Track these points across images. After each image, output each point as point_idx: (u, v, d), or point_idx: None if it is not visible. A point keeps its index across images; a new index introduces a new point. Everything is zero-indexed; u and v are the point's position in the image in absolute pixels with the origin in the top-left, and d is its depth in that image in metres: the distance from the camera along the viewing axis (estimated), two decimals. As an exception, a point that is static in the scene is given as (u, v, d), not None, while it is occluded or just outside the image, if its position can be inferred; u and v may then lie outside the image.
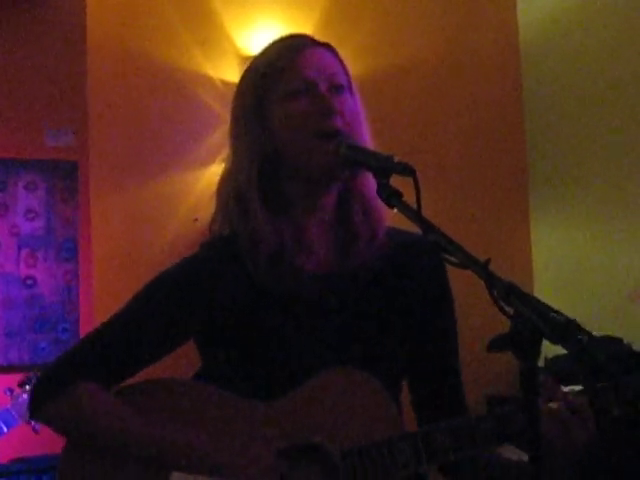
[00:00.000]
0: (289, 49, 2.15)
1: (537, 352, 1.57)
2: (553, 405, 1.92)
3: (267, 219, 2.07)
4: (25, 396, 3.41)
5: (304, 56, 2.12)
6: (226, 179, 2.16)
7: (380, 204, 1.99)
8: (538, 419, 1.60)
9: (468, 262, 1.68)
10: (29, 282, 4.05)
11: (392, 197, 1.85)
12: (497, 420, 1.95)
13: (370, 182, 2.03)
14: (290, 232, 2.09)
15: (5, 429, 3.38)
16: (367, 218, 2.11)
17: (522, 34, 5.14)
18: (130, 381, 2.13)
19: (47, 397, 2.06)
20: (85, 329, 3.89)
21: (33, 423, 3.40)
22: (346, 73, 2.16)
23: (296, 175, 2.09)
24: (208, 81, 4.46)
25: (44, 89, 4.14)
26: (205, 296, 2.10)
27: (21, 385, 3.46)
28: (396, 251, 2.12)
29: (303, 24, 4.48)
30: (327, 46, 2.18)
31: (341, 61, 2.17)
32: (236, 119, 2.19)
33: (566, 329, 1.57)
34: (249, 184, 2.09)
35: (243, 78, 2.21)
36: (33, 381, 3.36)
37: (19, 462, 3.71)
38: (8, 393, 3.42)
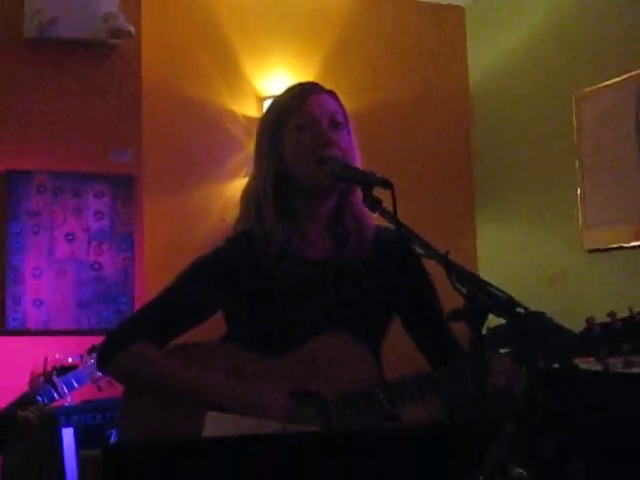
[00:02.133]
0: (301, 92, 2.18)
1: (484, 322, 1.60)
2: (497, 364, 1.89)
3: (278, 222, 2.10)
4: (92, 361, 3.32)
5: (312, 99, 2.15)
6: (248, 190, 2.19)
7: (366, 210, 2.03)
8: (483, 372, 1.63)
9: (432, 253, 1.73)
10: (96, 266, 4.06)
11: (374, 204, 1.89)
12: (453, 373, 1.94)
13: (358, 193, 2.06)
14: (295, 232, 2.12)
15: (76, 385, 3.26)
16: (356, 221, 2.14)
17: (471, 77, 5.12)
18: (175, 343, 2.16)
19: (112, 354, 2.10)
20: (139, 303, 3.91)
21: (99, 383, 3.30)
22: (344, 113, 2.18)
23: (301, 189, 2.12)
24: (233, 115, 4.50)
25: (110, 120, 4.15)
26: (229, 278, 2.13)
27: (89, 352, 3.39)
28: (380, 244, 2.15)
29: (307, 70, 4.51)
30: (330, 92, 2.20)
31: (341, 104, 2.20)
32: (258, 144, 2.21)
33: (507, 305, 1.61)
34: (265, 195, 2.12)
35: (265, 113, 2.25)
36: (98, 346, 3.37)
37: (86, 402, 3.65)
38: (79, 358, 3.32)
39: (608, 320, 1.89)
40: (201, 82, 4.48)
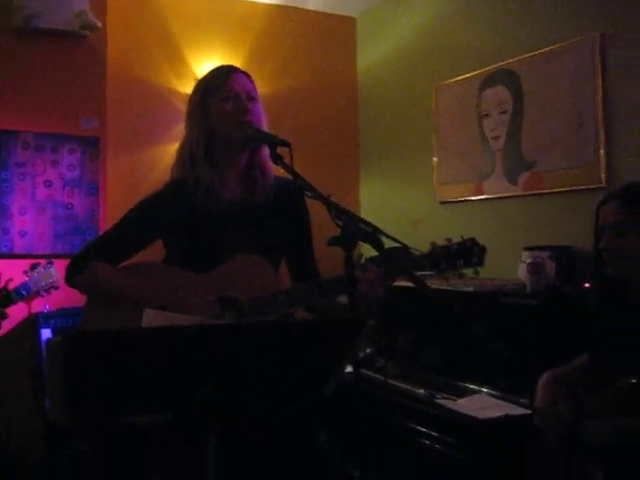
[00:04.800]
0: (225, 72, 2.17)
1: (354, 246, 1.63)
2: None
3: (205, 170, 2.09)
4: (36, 274, 3.43)
5: (234, 77, 2.14)
6: (182, 146, 2.17)
7: (270, 163, 2.04)
8: (354, 282, 1.66)
9: (318, 196, 1.75)
10: (69, 206, 4.00)
11: (277, 159, 1.90)
12: (334, 281, 1.96)
13: (265, 151, 2.06)
14: (218, 178, 2.12)
15: (25, 294, 3.39)
16: (262, 172, 2.14)
17: (359, 70, 5.13)
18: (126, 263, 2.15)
19: (76, 272, 2.08)
20: (102, 235, 3.86)
21: (40, 291, 3.45)
22: (256, 91, 2.17)
23: (223, 145, 2.12)
24: (176, 92, 4.43)
25: (82, 94, 4.08)
26: (166, 214, 2.11)
27: (32, 268, 3.45)
28: (280, 188, 2.16)
29: (234, 60, 4.43)
30: (246, 73, 2.19)
31: (254, 83, 2.19)
32: (190, 110, 2.19)
33: (371, 233, 1.65)
34: (198, 148, 2.10)
35: (195, 87, 2.21)
36: (39, 267, 3.47)
37: (61, 309, 3.69)
38: (25, 272, 3.46)
39: (447, 244, 1.95)
40: (153, 66, 4.42)
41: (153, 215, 2.13)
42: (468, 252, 1.91)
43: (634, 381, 1.87)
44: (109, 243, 2.14)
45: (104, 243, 2.16)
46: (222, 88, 2.10)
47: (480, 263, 1.91)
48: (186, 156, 2.13)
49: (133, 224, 2.14)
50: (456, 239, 1.93)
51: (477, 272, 1.92)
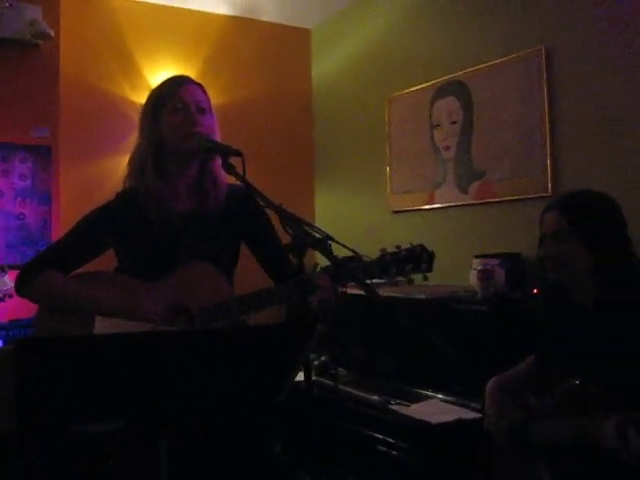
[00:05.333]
0: (176, 82, 2.16)
1: (305, 253, 1.64)
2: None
3: (155, 181, 2.08)
4: None
5: (184, 88, 2.13)
6: (133, 156, 2.16)
7: (222, 173, 2.04)
8: (305, 288, 1.68)
9: (269, 204, 1.77)
10: (21, 216, 3.94)
11: (229, 168, 1.90)
12: (282, 289, 1.96)
13: (217, 161, 2.07)
14: (168, 189, 2.11)
15: None
16: (214, 181, 2.14)
17: (314, 81, 5.16)
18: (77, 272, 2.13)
19: (27, 281, 2.05)
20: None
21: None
22: (208, 101, 2.16)
23: (173, 156, 2.11)
24: (130, 102, 4.40)
25: (34, 103, 4.04)
26: (117, 223, 2.10)
27: None
28: (231, 196, 2.16)
29: (188, 71, 4.42)
30: (198, 84, 2.18)
31: (206, 94, 2.18)
32: (141, 120, 2.17)
33: (321, 240, 1.67)
34: (147, 159, 2.09)
35: (148, 97, 2.19)
36: None
37: (13, 321, 3.62)
38: None
39: (395, 250, 1.97)
40: (106, 76, 4.39)
41: (105, 225, 2.11)
42: (417, 258, 1.94)
43: (578, 382, 1.92)
44: (60, 252, 2.11)
45: (55, 252, 2.13)
46: (172, 99, 2.09)
47: (429, 269, 1.94)
48: (136, 166, 2.11)
49: (85, 233, 2.12)
50: (405, 246, 1.97)
51: (426, 277, 1.95)
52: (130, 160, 2.16)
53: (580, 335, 2.01)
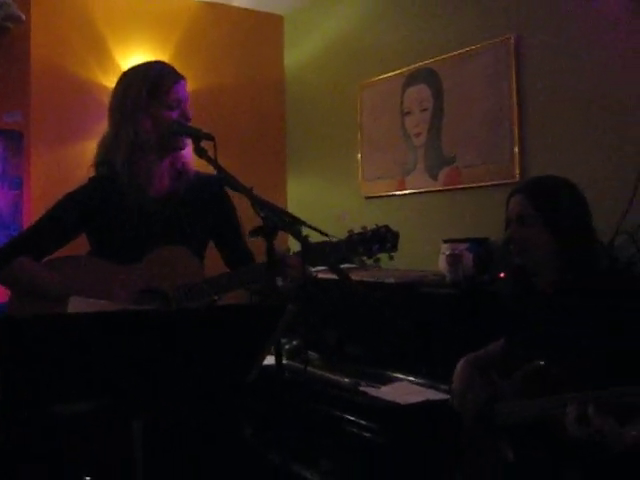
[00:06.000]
0: (173, 77, 2.15)
1: (275, 236, 1.67)
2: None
3: (128, 165, 2.09)
4: None
5: (179, 84, 2.13)
6: (106, 139, 2.15)
7: (191, 158, 2.06)
8: (274, 268, 1.70)
9: (240, 188, 1.79)
10: (-8, 202, 3.93)
11: (201, 152, 1.92)
12: (253, 270, 2.01)
13: (189, 150, 2.08)
14: (142, 173, 2.12)
15: None
16: (184, 165, 2.16)
17: (287, 67, 5.16)
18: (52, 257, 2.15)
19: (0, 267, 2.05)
20: (27, 230, 3.79)
21: None
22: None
23: (153, 145, 2.11)
24: (101, 87, 4.30)
25: (4, 88, 4.03)
26: (90, 208, 2.10)
27: None
28: (200, 183, 2.18)
29: (161, 57, 4.38)
30: (185, 78, 2.20)
31: None
32: (118, 106, 2.15)
33: (291, 224, 1.69)
34: (123, 146, 2.09)
35: (126, 83, 2.17)
36: None
37: None
38: None
39: (362, 231, 2.03)
40: (77, 60, 4.33)
41: (77, 210, 2.12)
42: (382, 238, 2.00)
43: (542, 363, 1.96)
44: (32, 238, 2.12)
45: (27, 238, 2.14)
46: (169, 95, 2.10)
47: (394, 248, 2.00)
48: (110, 152, 2.12)
49: (57, 219, 2.13)
50: (371, 227, 2.02)
51: (391, 257, 2.01)
52: (102, 143, 2.15)
53: (541, 319, 2.05)
